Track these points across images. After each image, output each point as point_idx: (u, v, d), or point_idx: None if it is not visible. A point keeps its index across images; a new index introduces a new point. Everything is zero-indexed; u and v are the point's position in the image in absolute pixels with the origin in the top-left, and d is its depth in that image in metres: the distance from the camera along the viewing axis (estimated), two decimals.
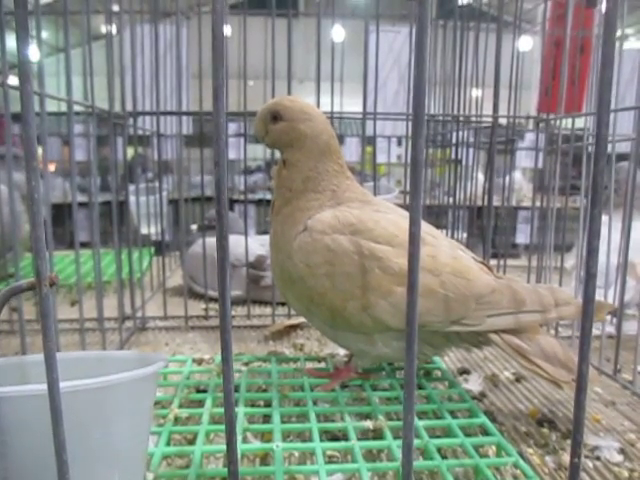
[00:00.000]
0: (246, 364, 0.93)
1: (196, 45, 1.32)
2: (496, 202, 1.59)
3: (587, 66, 1.58)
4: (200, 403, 0.79)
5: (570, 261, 1.38)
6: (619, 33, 1.21)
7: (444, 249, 0.78)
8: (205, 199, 1.40)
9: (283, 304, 1.28)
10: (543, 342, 0.75)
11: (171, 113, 1.30)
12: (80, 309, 0.95)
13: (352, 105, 1.36)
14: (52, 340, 0.31)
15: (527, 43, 3.28)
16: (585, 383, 0.30)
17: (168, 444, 0.68)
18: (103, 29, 1.15)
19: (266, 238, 1.39)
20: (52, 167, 3.07)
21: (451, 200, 1.62)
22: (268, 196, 3.14)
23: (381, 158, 2.28)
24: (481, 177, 1.76)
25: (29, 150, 0.29)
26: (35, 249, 0.32)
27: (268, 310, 1.30)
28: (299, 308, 0.85)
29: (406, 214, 0.85)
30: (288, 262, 0.79)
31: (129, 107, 1.18)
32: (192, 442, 0.70)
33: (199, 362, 0.95)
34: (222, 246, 0.32)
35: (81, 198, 2.33)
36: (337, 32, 1.42)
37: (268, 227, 0.88)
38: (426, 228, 0.82)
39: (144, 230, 1.70)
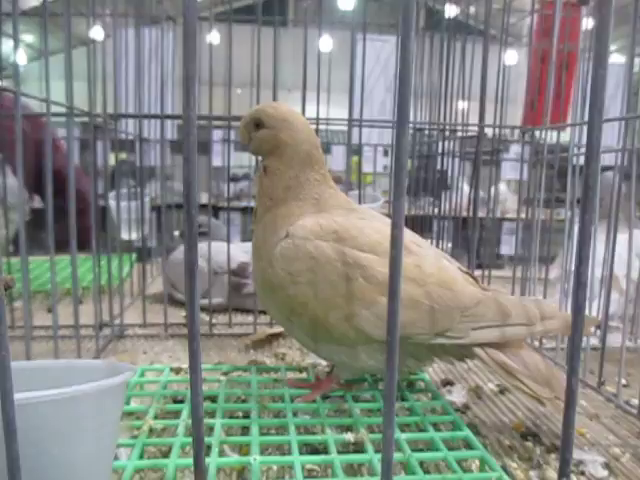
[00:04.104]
0: (225, 374, 0.91)
1: (182, 51, 1.30)
2: (481, 213, 1.59)
3: (572, 79, 1.59)
4: (176, 414, 0.76)
5: (553, 272, 1.37)
6: None
7: (429, 259, 0.77)
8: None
9: (265, 312, 1.26)
10: (527, 358, 0.74)
11: (153, 116, 1.27)
12: (54, 315, 0.92)
13: (339, 115, 1.35)
14: (6, 348, 0.29)
15: (512, 57, 3.31)
16: (575, 398, 0.29)
17: (141, 457, 0.66)
18: (88, 33, 1.14)
19: (249, 245, 1.37)
20: None
21: (436, 210, 1.62)
22: (253, 204, 3.11)
23: (367, 167, 2.27)
24: (466, 188, 1.75)
25: None
26: None
27: (250, 318, 1.27)
28: (280, 318, 0.82)
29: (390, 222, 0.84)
30: (269, 270, 0.77)
31: (110, 110, 1.15)
32: (167, 455, 0.68)
33: (177, 371, 0.93)
34: (191, 246, 0.31)
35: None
36: (325, 42, 1.41)
37: (251, 235, 0.86)
38: (411, 237, 0.81)
39: (125, 236, 1.67)
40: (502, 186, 3.88)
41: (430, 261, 0.76)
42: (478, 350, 0.75)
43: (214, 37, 1.36)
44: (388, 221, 0.83)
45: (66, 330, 1.11)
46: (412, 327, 0.73)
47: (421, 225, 1.76)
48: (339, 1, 4.29)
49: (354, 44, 1.36)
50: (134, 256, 1.68)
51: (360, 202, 1.38)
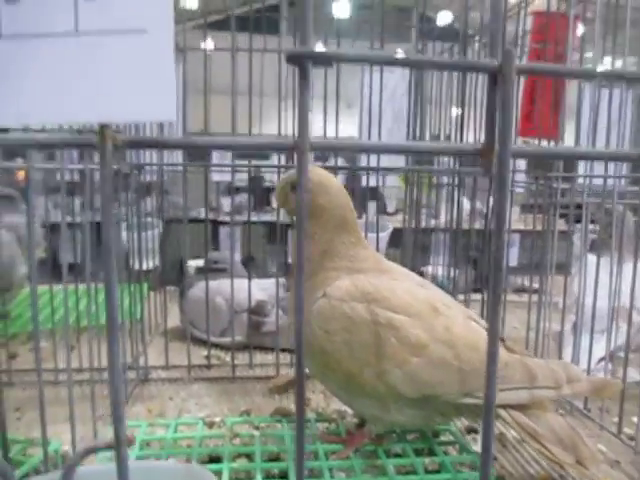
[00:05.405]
0: (256, 427, 0.93)
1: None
2: (478, 225, 1.60)
3: (563, 89, 1.61)
4: (215, 474, 0.78)
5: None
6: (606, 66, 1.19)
7: (458, 319, 0.80)
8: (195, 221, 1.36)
9: (284, 350, 1.27)
10: (552, 421, 0.77)
11: (175, 165, 1.29)
12: (90, 359, 0.93)
13: (346, 125, 1.38)
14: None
15: None
16: None
17: None
18: None
19: (268, 282, 1.38)
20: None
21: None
22: (254, 218, 3.10)
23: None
24: (467, 206, 1.77)
25: None
26: (114, 413, 0.32)
27: (270, 357, 1.29)
28: (315, 372, 0.86)
29: (421, 281, 0.87)
30: (306, 327, 0.80)
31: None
32: None
33: (210, 425, 0.94)
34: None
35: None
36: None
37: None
38: (439, 296, 0.84)
39: (137, 266, 1.66)
40: None
41: (459, 322, 0.80)
42: (502, 412, 0.77)
43: (209, 44, 1.34)
44: (418, 279, 0.87)
45: (86, 373, 1.06)
46: (441, 387, 0.77)
47: (422, 237, 1.78)
48: (334, 9, 4.29)
49: (363, 75, 1.38)
50: (145, 286, 1.67)
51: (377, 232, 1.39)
